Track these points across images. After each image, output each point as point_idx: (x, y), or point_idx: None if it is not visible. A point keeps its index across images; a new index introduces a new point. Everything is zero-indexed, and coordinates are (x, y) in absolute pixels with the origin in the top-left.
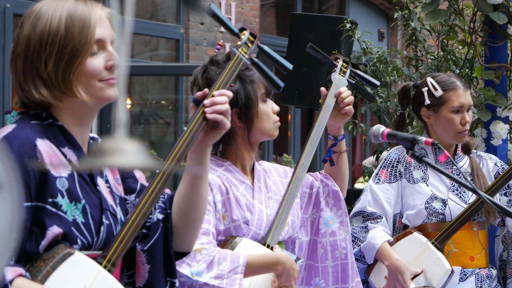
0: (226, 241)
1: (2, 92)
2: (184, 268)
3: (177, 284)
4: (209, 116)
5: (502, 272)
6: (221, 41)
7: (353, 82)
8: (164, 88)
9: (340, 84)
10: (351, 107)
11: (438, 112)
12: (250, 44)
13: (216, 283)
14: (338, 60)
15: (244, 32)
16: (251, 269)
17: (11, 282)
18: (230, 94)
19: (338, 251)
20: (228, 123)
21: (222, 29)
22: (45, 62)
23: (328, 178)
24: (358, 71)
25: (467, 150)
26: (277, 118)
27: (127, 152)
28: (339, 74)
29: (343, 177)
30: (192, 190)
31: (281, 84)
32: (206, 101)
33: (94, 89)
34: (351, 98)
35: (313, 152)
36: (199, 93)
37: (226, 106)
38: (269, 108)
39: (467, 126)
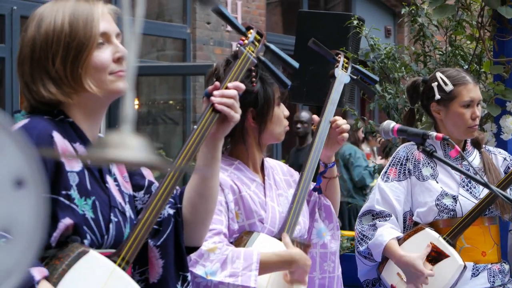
0: (241, 237)
1: (11, 94)
2: (198, 268)
3: (189, 278)
4: (217, 107)
5: None
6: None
7: (355, 78)
8: (171, 88)
9: (343, 79)
10: (346, 134)
11: (448, 107)
12: (257, 43)
13: (231, 281)
14: (340, 55)
15: (251, 31)
16: (265, 267)
17: (38, 282)
18: (243, 87)
19: (327, 264)
20: (236, 116)
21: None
22: (53, 59)
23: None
24: (358, 67)
25: (477, 145)
26: (287, 123)
27: (131, 147)
28: (342, 69)
29: (334, 202)
30: (204, 183)
31: (289, 82)
32: (215, 93)
33: (104, 82)
34: (347, 126)
35: (321, 148)
36: (210, 87)
37: (234, 100)
38: (281, 112)
39: (477, 121)
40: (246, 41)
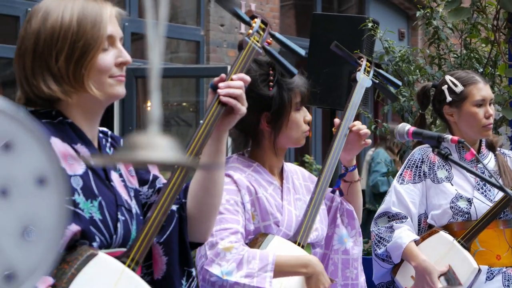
0: (256, 238)
1: None
2: (214, 268)
3: (193, 273)
4: (222, 99)
5: None
6: (270, 39)
7: (377, 81)
8: (185, 90)
9: (364, 83)
10: (369, 140)
11: (461, 107)
12: (262, 32)
13: (246, 281)
14: (362, 59)
15: (255, 20)
16: (281, 269)
17: None
18: (248, 79)
19: (349, 271)
20: (243, 109)
21: (243, 30)
22: (56, 56)
23: (343, 198)
24: (381, 71)
25: (492, 147)
26: (307, 128)
27: (160, 147)
28: (364, 73)
29: (356, 206)
30: (208, 177)
31: (295, 71)
32: (221, 85)
33: (104, 85)
34: (367, 131)
35: (340, 153)
36: (216, 79)
37: (240, 91)
38: (301, 117)
39: (491, 119)
40: (250, 31)
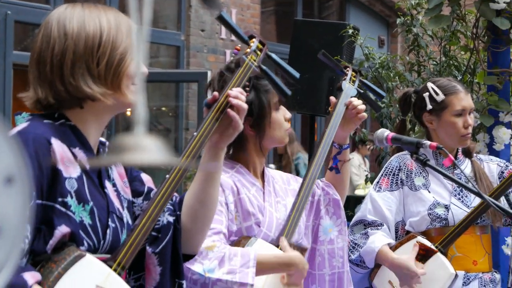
0: (239, 241)
1: (3, 96)
2: (196, 266)
3: (184, 286)
4: (233, 101)
5: None
6: (239, 45)
7: (362, 91)
8: (164, 95)
9: (349, 92)
10: (365, 114)
11: (441, 116)
12: (259, 52)
13: (229, 278)
14: (348, 69)
15: (254, 39)
16: (263, 268)
17: (31, 287)
18: (244, 96)
19: (336, 260)
20: (241, 125)
21: (223, 36)
22: (98, 60)
23: (330, 186)
24: (366, 81)
25: (468, 154)
26: (288, 126)
27: (147, 149)
28: (349, 82)
29: (344, 185)
30: (205, 190)
31: (289, 92)
32: (231, 92)
33: (130, 91)
34: (363, 106)
35: (324, 159)
36: (210, 98)
37: (246, 105)
38: (281, 116)
39: (470, 129)
40: (248, 50)
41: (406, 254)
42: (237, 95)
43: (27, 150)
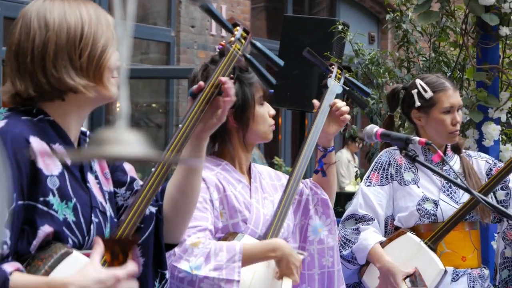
0: (226, 238)
1: None
2: (183, 264)
3: (167, 276)
4: (225, 85)
5: (507, 270)
6: (224, 41)
7: (347, 88)
8: (154, 91)
9: (335, 89)
10: (348, 116)
11: (429, 113)
12: (243, 40)
13: (215, 275)
14: (333, 66)
15: (238, 28)
16: (249, 256)
17: (11, 273)
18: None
19: (325, 259)
20: (224, 116)
21: (213, 32)
22: (80, 52)
23: (318, 186)
24: (351, 79)
25: (457, 150)
26: (273, 122)
27: (128, 142)
28: (334, 80)
29: (331, 188)
30: (187, 181)
31: (274, 81)
32: (222, 78)
33: (111, 83)
34: (347, 108)
35: (310, 156)
36: (195, 87)
37: (233, 97)
38: (265, 111)
39: (458, 126)
40: (232, 39)
41: (396, 250)
42: (228, 81)
43: (6, 151)
